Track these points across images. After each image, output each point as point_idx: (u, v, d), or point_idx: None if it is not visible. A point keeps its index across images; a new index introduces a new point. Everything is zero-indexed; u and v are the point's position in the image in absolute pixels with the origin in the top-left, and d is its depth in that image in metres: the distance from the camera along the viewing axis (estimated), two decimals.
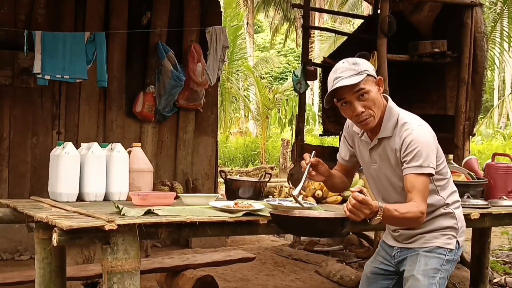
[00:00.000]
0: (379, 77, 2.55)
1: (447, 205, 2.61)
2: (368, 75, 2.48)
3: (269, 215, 2.76)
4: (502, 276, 5.84)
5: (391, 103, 2.58)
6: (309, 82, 7.30)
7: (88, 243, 2.67)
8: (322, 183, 3.41)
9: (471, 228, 4.88)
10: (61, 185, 3.32)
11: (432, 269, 2.56)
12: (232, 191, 3.57)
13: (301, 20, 10.67)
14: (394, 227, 2.67)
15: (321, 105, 8.32)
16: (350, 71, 2.46)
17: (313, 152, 2.70)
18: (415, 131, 2.49)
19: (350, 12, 20.79)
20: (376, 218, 2.30)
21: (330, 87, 2.50)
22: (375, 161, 2.62)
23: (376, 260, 2.82)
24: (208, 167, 7.37)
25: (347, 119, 2.68)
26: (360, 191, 2.27)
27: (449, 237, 2.60)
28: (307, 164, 2.64)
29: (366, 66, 2.50)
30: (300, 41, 18.57)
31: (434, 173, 2.47)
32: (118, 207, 2.75)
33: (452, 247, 2.59)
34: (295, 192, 2.63)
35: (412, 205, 2.40)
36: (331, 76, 2.51)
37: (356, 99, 2.47)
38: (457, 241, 2.61)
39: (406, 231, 2.63)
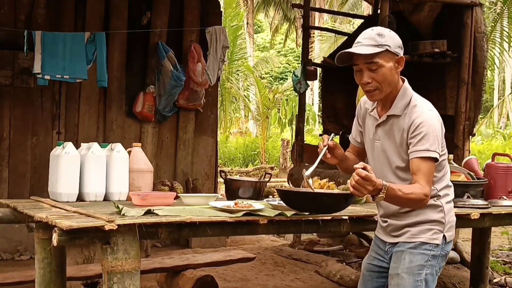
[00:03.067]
0: (400, 55, 2.54)
1: (438, 197, 2.59)
2: (387, 50, 2.48)
3: (269, 215, 2.77)
4: (502, 276, 5.84)
5: (407, 84, 2.61)
6: (309, 82, 7.29)
7: (88, 243, 2.67)
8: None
9: (471, 228, 4.88)
10: (61, 185, 3.33)
11: (416, 266, 2.54)
12: (232, 191, 3.58)
13: (301, 20, 10.67)
14: (384, 217, 2.67)
15: (321, 105, 8.29)
16: (371, 40, 2.48)
17: (332, 134, 2.74)
18: (426, 114, 2.51)
19: (350, 12, 20.78)
20: (379, 195, 2.33)
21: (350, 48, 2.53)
22: (379, 138, 2.63)
23: (370, 256, 2.80)
24: (208, 167, 7.37)
25: (361, 100, 2.74)
26: (364, 168, 2.30)
27: (435, 231, 2.57)
28: (324, 147, 2.66)
29: (389, 41, 2.49)
30: (300, 41, 18.58)
31: (439, 158, 2.48)
32: (118, 207, 2.75)
33: (438, 242, 2.56)
34: (307, 173, 2.64)
35: (416, 187, 2.41)
36: (357, 38, 2.54)
37: (366, 69, 2.50)
38: (443, 236, 2.58)
39: (394, 221, 2.62)
